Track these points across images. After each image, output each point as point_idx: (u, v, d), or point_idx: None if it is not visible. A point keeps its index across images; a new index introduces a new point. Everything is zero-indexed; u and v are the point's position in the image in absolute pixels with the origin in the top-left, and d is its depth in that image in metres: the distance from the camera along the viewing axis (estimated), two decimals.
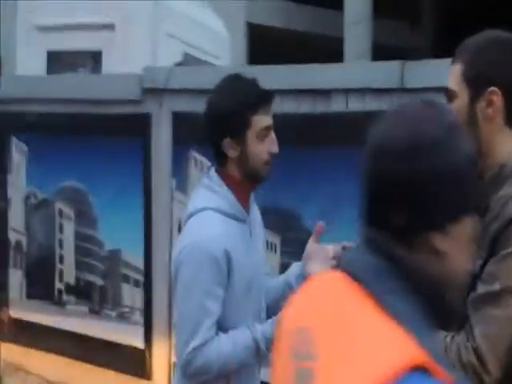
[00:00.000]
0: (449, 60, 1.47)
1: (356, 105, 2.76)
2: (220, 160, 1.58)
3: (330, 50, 6.01)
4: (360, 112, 2.70)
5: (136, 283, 3.35)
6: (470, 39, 1.28)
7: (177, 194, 3.23)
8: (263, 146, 1.56)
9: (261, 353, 1.49)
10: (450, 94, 1.27)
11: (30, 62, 3.97)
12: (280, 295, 1.67)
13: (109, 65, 3.61)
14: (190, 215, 1.56)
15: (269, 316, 1.65)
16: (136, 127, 3.35)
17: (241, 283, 1.55)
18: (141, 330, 3.26)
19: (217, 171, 1.60)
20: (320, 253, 1.62)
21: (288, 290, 1.67)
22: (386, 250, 0.75)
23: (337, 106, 2.81)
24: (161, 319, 3.24)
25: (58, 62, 3.86)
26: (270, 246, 3.02)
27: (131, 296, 3.38)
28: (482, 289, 1.18)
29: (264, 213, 2.99)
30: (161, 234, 3.23)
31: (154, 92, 3.29)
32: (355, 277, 0.75)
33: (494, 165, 1.23)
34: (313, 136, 2.83)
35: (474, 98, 1.22)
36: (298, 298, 0.84)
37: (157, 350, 3.26)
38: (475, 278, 1.21)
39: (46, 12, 3.88)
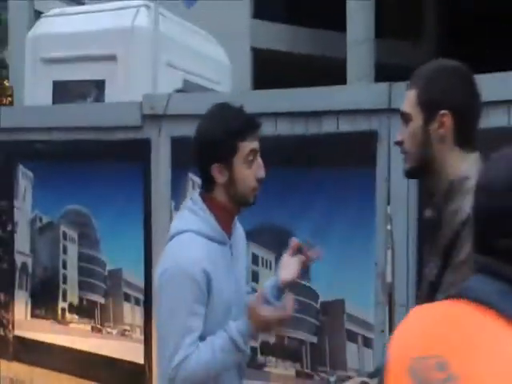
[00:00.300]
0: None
1: (346, 126, 2.83)
2: (208, 185, 1.62)
3: (334, 72, 6.12)
4: (350, 133, 2.78)
5: (136, 301, 3.38)
6: (424, 67, 1.38)
7: (176, 215, 3.28)
8: (250, 172, 1.60)
9: (240, 349, 1.50)
10: (405, 117, 1.36)
11: (37, 93, 4.07)
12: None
13: (112, 93, 3.71)
14: (172, 237, 1.62)
15: None
16: (136, 152, 3.42)
17: (220, 304, 1.58)
18: (141, 347, 3.28)
19: (201, 195, 1.64)
20: (292, 263, 1.72)
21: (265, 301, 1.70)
22: (504, 273, 0.80)
23: (328, 127, 2.88)
24: None
25: (63, 91, 3.96)
26: (264, 263, 3.06)
27: (132, 314, 3.41)
28: (440, 298, 1.22)
29: (259, 231, 3.09)
30: (160, 253, 3.27)
31: (153, 118, 3.38)
32: (484, 302, 0.78)
33: (445, 181, 1.31)
34: (305, 157, 2.90)
35: (427, 120, 1.31)
36: (408, 327, 0.84)
37: (156, 365, 3.27)
38: (432, 285, 1.27)
39: (52, 45, 4.00)
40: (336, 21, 9.37)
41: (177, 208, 3.29)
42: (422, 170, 1.36)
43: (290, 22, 10.46)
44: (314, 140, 2.87)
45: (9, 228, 3.95)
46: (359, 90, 2.84)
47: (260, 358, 3.00)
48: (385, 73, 5.88)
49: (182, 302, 1.50)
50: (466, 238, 1.20)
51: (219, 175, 1.57)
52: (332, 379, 2.82)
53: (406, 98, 1.37)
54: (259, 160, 1.62)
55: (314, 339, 2.89)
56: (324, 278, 2.81)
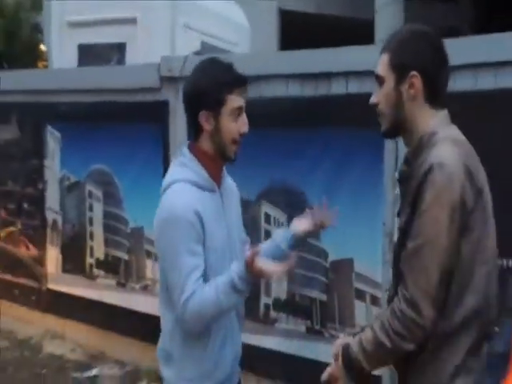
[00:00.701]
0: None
1: (355, 87, 2.72)
2: (195, 132, 1.63)
3: (362, 33, 5.89)
4: (359, 94, 2.68)
5: (157, 258, 3.42)
6: (396, 31, 1.46)
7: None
8: (235, 125, 1.61)
9: (239, 291, 1.51)
10: (379, 79, 1.41)
11: (63, 56, 4.08)
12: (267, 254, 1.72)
13: (132, 56, 3.68)
14: (164, 189, 1.62)
15: None
16: (155, 114, 3.41)
17: (213, 246, 1.59)
18: None
19: (189, 148, 1.65)
20: (305, 219, 1.77)
21: (274, 247, 1.74)
22: None
23: (337, 88, 2.79)
24: None
25: (88, 54, 3.96)
26: (276, 223, 3.04)
27: (153, 270, 3.47)
28: (409, 244, 1.30)
29: (271, 191, 3.05)
30: None
31: (170, 80, 3.34)
32: None
33: (416, 138, 1.38)
34: (315, 117, 2.82)
35: (399, 81, 1.37)
36: None
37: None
38: (403, 232, 1.35)
39: (77, 9, 3.98)
40: None
41: None
42: (397, 129, 1.43)
43: None
44: (324, 101, 2.78)
45: (40, 186, 4.05)
46: (367, 50, 2.71)
47: (272, 313, 3.03)
48: None
49: (181, 243, 1.52)
50: (427, 188, 1.27)
51: (206, 123, 1.58)
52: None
53: (380, 61, 1.43)
54: (244, 116, 1.64)
55: (324, 297, 2.88)
56: (333, 238, 2.77)
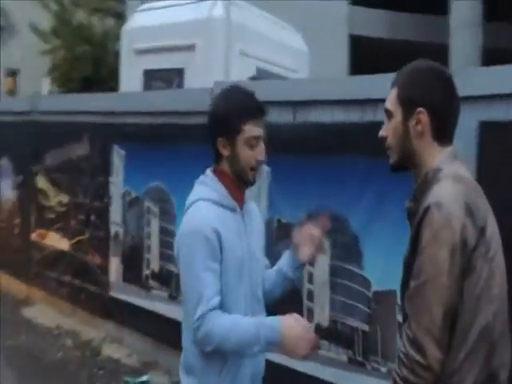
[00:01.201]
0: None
1: None
2: (216, 158, 1.64)
3: (435, 57, 5.66)
4: None
5: None
6: (405, 67, 1.40)
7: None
8: (252, 153, 1.60)
9: (259, 341, 1.45)
10: (388, 113, 1.38)
11: (130, 80, 4.24)
12: (273, 283, 1.72)
13: (190, 80, 3.74)
14: (187, 208, 1.64)
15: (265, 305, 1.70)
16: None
17: (231, 262, 1.56)
18: None
19: (212, 170, 1.66)
20: (307, 238, 1.68)
21: (280, 277, 1.71)
22: None
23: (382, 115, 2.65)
24: None
25: (152, 79, 4.08)
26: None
27: None
28: (412, 283, 1.24)
29: (315, 216, 2.95)
30: None
31: None
32: None
33: (423, 173, 1.33)
34: (360, 144, 2.70)
35: (406, 117, 1.33)
36: None
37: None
38: (406, 268, 1.30)
39: (143, 37, 4.12)
40: (437, 5, 8.60)
41: None
42: (405, 163, 1.38)
43: (388, 8, 9.78)
44: (369, 127, 2.65)
45: (105, 200, 4.20)
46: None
47: None
48: (492, 57, 5.24)
49: (196, 258, 1.52)
50: (425, 225, 1.21)
51: (223, 149, 1.59)
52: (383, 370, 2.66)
53: (389, 95, 1.39)
54: (262, 145, 1.62)
55: (366, 327, 2.73)
56: (377, 268, 2.63)
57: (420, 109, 1.29)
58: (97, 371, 3.71)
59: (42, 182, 4.85)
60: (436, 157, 1.31)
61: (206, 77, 3.65)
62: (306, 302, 2.95)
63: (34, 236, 4.92)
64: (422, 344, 1.18)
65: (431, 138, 1.32)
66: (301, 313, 2.96)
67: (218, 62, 3.63)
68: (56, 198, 4.68)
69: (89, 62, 11.86)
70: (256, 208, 1.77)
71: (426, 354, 1.17)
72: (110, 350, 3.97)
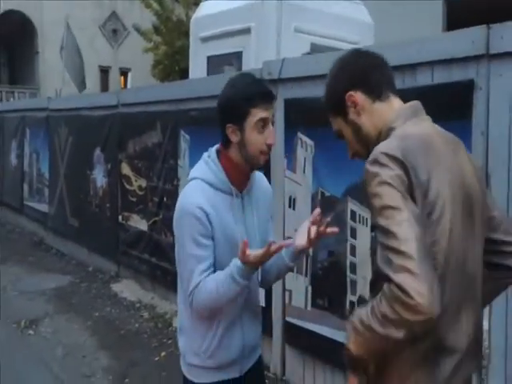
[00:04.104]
0: None
1: (441, 77, 2.50)
2: (225, 143, 1.67)
3: None
4: (446, 84, 2.45)
5: None
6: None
7: (288, 173, 3.35)
8: (261, 137, 1.61)
9: (236, 280, 1.54)
10: (338, 134, 1.40)
11: (197, 67, 4.51)
12: (270, 265, 1.74)
13: (247, 62, 3.89)
14: (186, 183, 1.70)
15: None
16: None
17: (223, 242, 1.62)
18: (262, 292, 3.47)
19: (217, 150, 1.70)
20: (307, 232, 1.66)
21: (280, 262, 1.73)
22: None
23: (423, 79, 2.58)
24: (278, 283, 3.42)
25: (214, 64, 4.30)
26: (361, 220, 2.93)
27: None
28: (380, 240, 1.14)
29: (357, 189, 2.95)
30: (276, 207, 3.39)
31: (271, 82, 3.46)
32: None
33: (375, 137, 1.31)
34: None
35: (343, 114, 1.35)
36: None
37: (275, 309, 3.47)
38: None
39: (207, 25, 4.35)
40: None
41: (289, 167, 3.36)
42: (366, 146, 1.32)
43: None
44: (410, 93, 2.59)
45: (175, 183, 4.53)
46: (453, 37, 2.45)
47: None
48: None
49: (188, 236, 1.58)
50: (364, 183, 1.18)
51: (232, 135, 1.61)
52: None
53: (332, 123, 1.42)
54: (271, 128, 1.63)
55: None
56: None
57: (347, 94, 1.31)
58: (166, 341, 4.06)
59: (125, 169, 5.36)
60: (389, 115, 1.28)
61: (260, 57, 3.78)
62: (348, 275, 2.98)
63: (120, 218, 5.47)
64: (409, 289, 1.05)
65: (372, 103, 1.31)
66: (344, 285, 2.99)
67: (271, 42, 3.74)
68: (137, 183, 5.14)
69: (188, 54, 12.56)
70: (263, 178, 1.79)
71: (412, 296, 1.04)
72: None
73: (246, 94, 1.59)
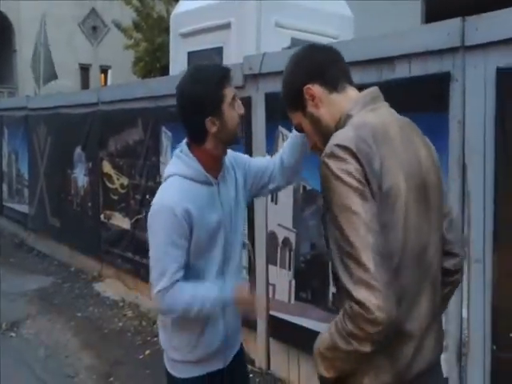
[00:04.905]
0: None
1: (418, 69, 2.55)
2: (200, 136, 1.67)
3: None
4: (422, 76, 2.51)
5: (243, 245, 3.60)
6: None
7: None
8: (234, 112, 1.67)
9: (217, 304, 1.60)
10: (298, 128, 1.43)
11: (177, 63, 4.51)
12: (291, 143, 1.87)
13: (228, 58, 3.92)
14: (164, 180, 1.72)
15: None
16: None
17: (204, 235, 1.64)
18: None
19: (187, 144, 1.72)
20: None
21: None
22: None
23: (400, 72, 2.63)
24: (261, 276, 3.46)
25: (195, 60, 4.31)
26: None
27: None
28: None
29: None
30: (259, 202, 3.43)
31: (252, 77, 3.49)
32: None
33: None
34: None
35: (302, 108, 1.37)
36: None
37: (258, 303, 3.50)
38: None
39: (186, 21, 4.36)
40: None
41: None
42: (326, 137, 1.31)
43: None
44: (388, 85, 2.64)
45: (157, 180, 4.53)
46: (429, 30, 2.51)
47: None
48: None
49: (163, 233, 1.59)
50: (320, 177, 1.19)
51: (212, 126, 1.63)
52: None
53: (293, 120, 1.44)
54: (238, 101, 1.68)
55: None
56: None
57: (305, 87, 1.33)
58: (150, 339, 4.07)
59: (107, 167, 5.34)
60: (346, 104, 1.30)
61: (240, 52, 3.81)
62: (331, 267, 3.02)
63: (102, 217, 5.45)
64: (365, 301, 1.09)
65: (329, 94, 1.33)
66: (327, 278, 3.04)
67: (251, 37, 3.78)
68: (119, 181, 5.13)
69: (168, 51, 12.52)
70: (234, 169, 1.83)
71: (370, 310, 1.08)
72: None
73: (214, 82, 1.62)
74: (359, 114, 1.27)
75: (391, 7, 7.87)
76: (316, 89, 1.34)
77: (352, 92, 1.35)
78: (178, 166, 1.70)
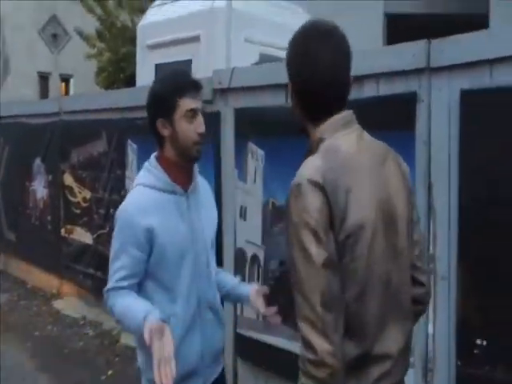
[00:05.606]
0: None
1: (386, 89, 2.63)
2: (159, 141, 1.72)
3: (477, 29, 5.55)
4: (390, 96, 2.59)
5: None
6: None
7: (239, 183, 3.40)
8: (191, 127, 1.67)
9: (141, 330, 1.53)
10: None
11: (144, 75, 4.50)
12: (227, 289, 1.89)
13: (197, 71, 3.94)
14: (129, 190, 1.76)
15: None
16: (210, 125, 3.58)
17: (171, 249, 1.65)
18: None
19: (156, 156, 1.75)
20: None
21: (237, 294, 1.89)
22: None
23: (369, 91, 2.71)
24: None
25: (162, 72, 4.32)
26: None
27: None
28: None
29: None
30: (228, 218, 3.43)
31: (221, 92, 3.51)
32: None
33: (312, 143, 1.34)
34: None
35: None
36: None
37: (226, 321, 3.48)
38: None
39: (154, 33, 4.37)
40: None
41: (240, 176, 3.42)
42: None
43: None
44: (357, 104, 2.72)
45: (122, 193, 4.47)
46: (395, 51, 2.60)
47: None
48: None
49: (119, 240, 1.65)
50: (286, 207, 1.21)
51: (163, 129, 1.67)
52: None
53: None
54: (200, 117, 1.69)
55: None
56: None
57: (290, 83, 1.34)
58: (113, 358, 3.99)
59: (68, 180, 5.24)
60: (323, 125, 1.29)
61: (210, 66, 3.83)
62: None
63: (63, 231, 5.33)
64: (310, 341, 1.15)
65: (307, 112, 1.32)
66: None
67: (221, 51, 3.81)
68: (81, 195, 5.04)
69: (133, 62, 12.41)
70: (204, 181, 1.86)
71: (315, 349, 1.14)
72: (127, 339, 4.22)
73: (173, 86, 1.66)
74: (331, 138, 1.28)
75: (353, 23, 8.08)
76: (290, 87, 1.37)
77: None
78: (145, 176, 1.73)
